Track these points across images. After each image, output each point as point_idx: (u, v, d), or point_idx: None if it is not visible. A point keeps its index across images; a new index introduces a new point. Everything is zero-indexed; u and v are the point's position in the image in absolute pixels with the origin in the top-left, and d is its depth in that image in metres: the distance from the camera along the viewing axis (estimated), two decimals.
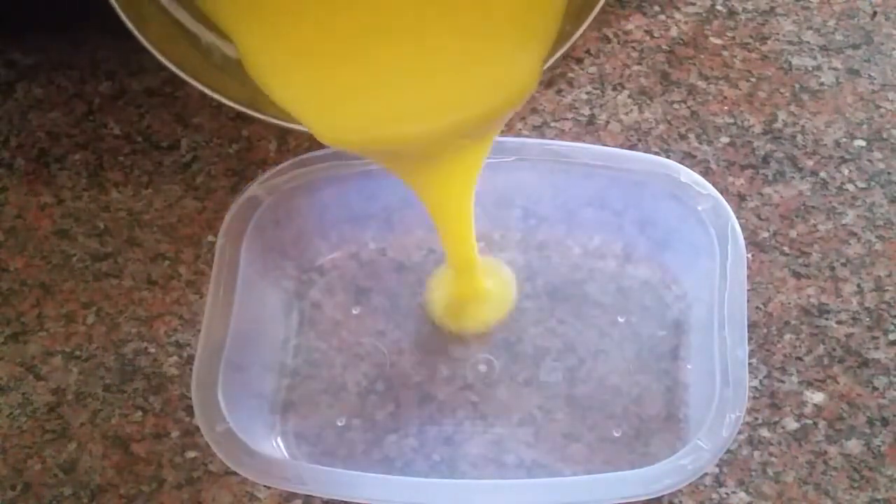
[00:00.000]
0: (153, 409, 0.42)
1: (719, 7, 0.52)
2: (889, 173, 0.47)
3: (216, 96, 0.41)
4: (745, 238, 0.41)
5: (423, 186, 0.40)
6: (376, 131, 0.36)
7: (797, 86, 0.49)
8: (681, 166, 0.42)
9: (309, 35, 0.35)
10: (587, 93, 0.49)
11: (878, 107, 0.49)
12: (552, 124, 0.48)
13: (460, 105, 0.35)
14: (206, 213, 0.46)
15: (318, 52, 0.35)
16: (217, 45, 0.40)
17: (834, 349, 0.42)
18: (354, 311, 0.44)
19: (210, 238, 0.45)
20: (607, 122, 0.48)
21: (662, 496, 0.39)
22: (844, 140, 0.48)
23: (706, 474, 0.40)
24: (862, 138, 0.48)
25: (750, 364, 0.39)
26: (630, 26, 0.51)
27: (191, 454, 0.41)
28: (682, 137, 0.48)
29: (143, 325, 0.44)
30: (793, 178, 0.47)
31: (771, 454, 0.40)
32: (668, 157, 0.46)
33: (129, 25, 0.38)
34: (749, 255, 0.43)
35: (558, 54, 0.44)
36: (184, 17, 0.40)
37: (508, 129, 0.47)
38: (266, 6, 0.35)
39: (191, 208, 0.46)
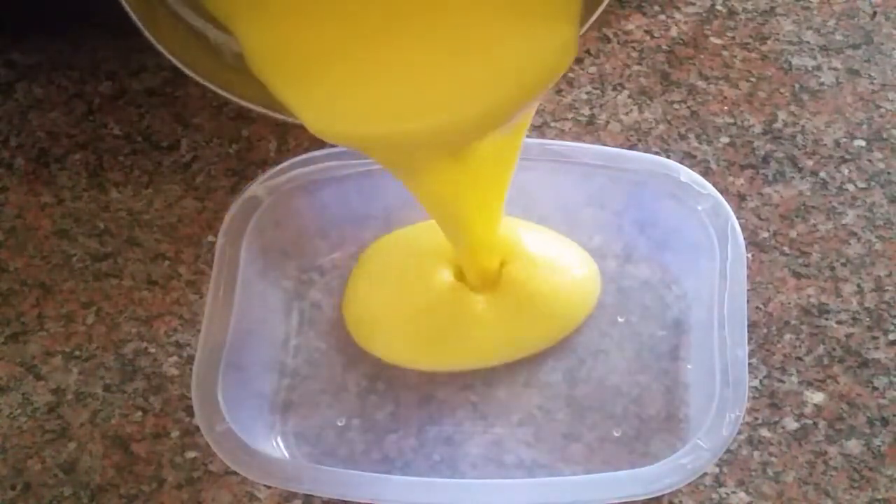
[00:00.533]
0: (153, 409, 0.42)
1: (719, 7, 0.52)
2: (889, 173, 0.47)
3: (234, 98, 0.40)
4: (745, 238, 0.41)
5: (444, 189, 0.38)
6: (398, 126, 0.34)
7: (797, 86, 0.49)
8: (681, 166, 0.42)
9: (315, 25, 0.34)
10: (587, 93, 0.49)
11: (878, 107, 0.49)
12: (552, 124, 0.48)
13: (485, 91, 0.34)
14: (206, 213, 0.46)
15: (327, 42, 0.34)
16: (226, 43, 0.40)
17: (834, 349, 0.42)
18: None
19: (210, 238, 0.45)
20: (607, 122, 0.48)
21: (662, 496, 0.39)
22: (844, 140, 0.48)
23: (706, 474, 0.40)
24: (862, 138, 0.48)
25: (750, 364, 0.39)
26: (630, 26, 0.51)
27: (191, 454, 0.41)
28: (682, 137, 0.48)
29: (143, 325, 0.44)
30: (793, 178, 0.47)
31: (771, 454, 0.40)
32: (668, 157, 0.46)
33: (147, 34, 0.38)
34: (749, 255, 0.43)
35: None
36: (188, 13, 0.40)
37: None
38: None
39: (191, 208, 0.46)
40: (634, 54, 0.50)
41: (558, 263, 0.43)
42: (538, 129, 0.48)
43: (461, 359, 0.42)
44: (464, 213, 0.40)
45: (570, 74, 0.50)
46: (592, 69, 0.50)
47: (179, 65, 0.39)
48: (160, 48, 0.38)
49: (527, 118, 0.38)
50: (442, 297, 0.42)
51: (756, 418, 0.41)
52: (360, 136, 0.35)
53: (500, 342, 0.42)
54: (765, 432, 0.41)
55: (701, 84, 0.49)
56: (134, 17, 0.37)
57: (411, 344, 0.42)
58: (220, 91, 0.40)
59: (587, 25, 0.39)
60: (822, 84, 0.49)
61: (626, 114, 0.49)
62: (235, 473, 0.38)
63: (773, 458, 0.40)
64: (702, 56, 0.50)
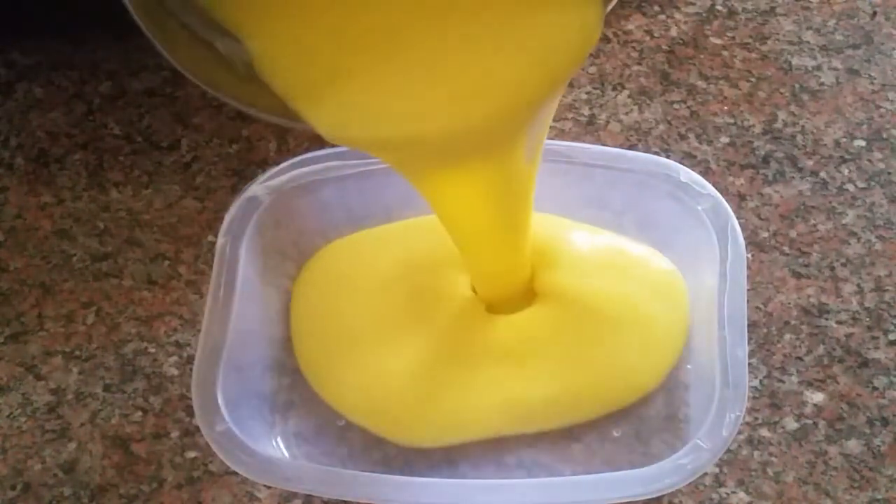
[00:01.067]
0: (153, 409, 0.42)
1: (719, 7, 0.52)
2: (889, 173, 0.47)
3: (247, 109, 0.40)
4: (745, 238, 0.41)
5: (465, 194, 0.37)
6: (420, 126, 0.33)
7: (797, 86, 0.49)
8: (681, 166, 0.42)
9: (326, 28, 0.33)
10: (587, 93, 0.49)
11: (878, 107, 0.49)
12: (552, 124, 0.48)
13: (510, 80, 0.32)
14: (206, 213, 0.46)
15: (339, 45, 0.33)
16: (236, 52, 0.39)
17: (834, 349, 0.42)
18: None
19: (210, 238, 0.45)
20: (607, 122, 0.48)
21: (662, 496, 0.39)
22: (844, 140, 0.48)
23: (706, 474, 0.40)
24: (862, 138, 0.48)
25: (750, 364, 0.39)
26: (630, 26, 0.51)
27: (191, 454, 0.41)
28: (682, 137, 0.48)
29: (143, 325, 0.44)
30: (793, 178, 0.47)
31: (771, 454, 0.40)
32: (668, 157, 0.46)
33: (162, 49, 0.38)
34: (749, 255, 0.43)
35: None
36: (197, 25, 0.39)
37: None
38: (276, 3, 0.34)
39: (191, 208, 0.46)
40: (634, 54, 0.50)
41: (636, 270, 0.41)
42: None
43: (472, 428, 0.40)
44: (492, 218, 0.38)
45: None
46: (592, 69, 0.50)
47: (194, 78, 0.38)
48: (176, 65, 0.38)
49: (550, 113, 0.36)
50: (442, 327, 0.41)
51: (756, 418, 0.41)
52: (381, 139, 0.34)
53: (543, 392, 0.40)
54: (765, 432, 0.41)
55: (701, 84, 0.49)
56: (148, 32, 0.37)
57: (397, 412, 0.40)
58: (234, 103, 0.39)
59: (612, 3, 0.38)
60: (822, 84, 0.49)
61: (626, 114, 0.49)
62: (235, 473, 0.38)
63: (773, 458, 0.40)
64: (702, 56, 0.50)
